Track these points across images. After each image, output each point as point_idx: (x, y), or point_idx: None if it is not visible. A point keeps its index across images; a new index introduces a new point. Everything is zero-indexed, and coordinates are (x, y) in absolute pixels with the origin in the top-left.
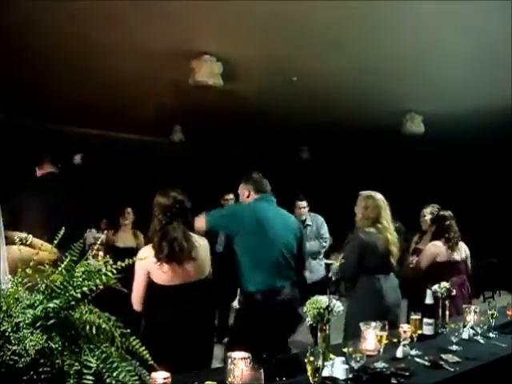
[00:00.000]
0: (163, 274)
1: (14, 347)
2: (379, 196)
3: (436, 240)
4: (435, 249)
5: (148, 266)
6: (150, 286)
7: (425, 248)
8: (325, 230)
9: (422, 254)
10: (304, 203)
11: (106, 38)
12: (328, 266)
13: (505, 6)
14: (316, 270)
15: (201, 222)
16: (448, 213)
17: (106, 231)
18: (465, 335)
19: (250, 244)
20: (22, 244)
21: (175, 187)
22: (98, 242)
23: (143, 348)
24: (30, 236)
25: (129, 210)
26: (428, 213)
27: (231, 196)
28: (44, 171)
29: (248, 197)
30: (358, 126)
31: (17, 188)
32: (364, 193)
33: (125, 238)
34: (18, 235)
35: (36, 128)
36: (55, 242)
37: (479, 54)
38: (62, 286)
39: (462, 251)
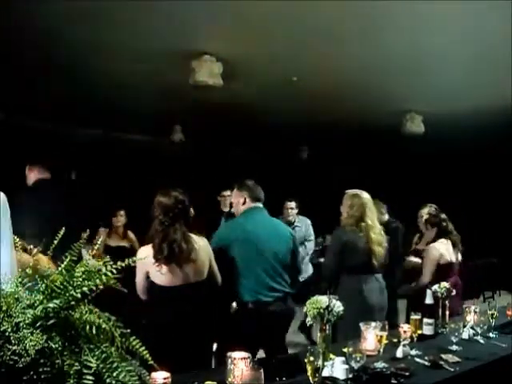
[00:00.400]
0: (162, 275)
1: (14, 347)
2: (365, 195)
3: (437, 242)
4: (436, 252)
5: (147, 266)
6: (150, 286)
7: (426, 253)
8: (311, 233)
9: (425, 261)
10: (293, 204)
11: (106, 37)
12: (315, 266)
13: (505, 5)
14: (304, 270)
15: None
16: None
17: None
18: (465, 335)
19: (242, 257)
20: (25, 251)
21: (176, 187)
22: (98, 242)
23: (143, 348)
24: (35, 250)
25: (121, 212)
26: (425, 213)
27: (228, 193)
28: (37, 177)
29: (244, 204)
30: (358, 126)
31: (17, 189)
32: (350, 191)
33: (117, 238)
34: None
35: (36, 128)
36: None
37: (479, 53)
38: (62, 286)
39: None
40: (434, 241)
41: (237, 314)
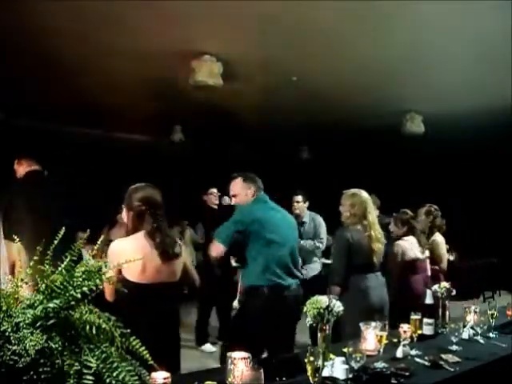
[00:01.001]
0: (139, 272)
1: (14, 347)
2: (364, 193)
3: (400, 240)
4: (399, 248)
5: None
6: (125, 283)
7: (394, 250)
8: (323, 231)
9: (393, 256)
10: (300, 197)
11: (106, 37)
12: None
13: (505, 5)
14: (311, 268)
15: (217, 247)
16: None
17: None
18: (465, 335)
19: (259, 244)
20: None
21: (173, 186)
22: (98, 242)
23: (143, 348)
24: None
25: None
26: (424, 213)
27: (215, 190)
28: (28, 169)
29: (253, 195)
30: (358, 126)
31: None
32: (348, 191)
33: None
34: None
35: (36, 128)
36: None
37: (479, 54)
38: (62, 286)
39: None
40: (399, 238)
41: (249, 301)
